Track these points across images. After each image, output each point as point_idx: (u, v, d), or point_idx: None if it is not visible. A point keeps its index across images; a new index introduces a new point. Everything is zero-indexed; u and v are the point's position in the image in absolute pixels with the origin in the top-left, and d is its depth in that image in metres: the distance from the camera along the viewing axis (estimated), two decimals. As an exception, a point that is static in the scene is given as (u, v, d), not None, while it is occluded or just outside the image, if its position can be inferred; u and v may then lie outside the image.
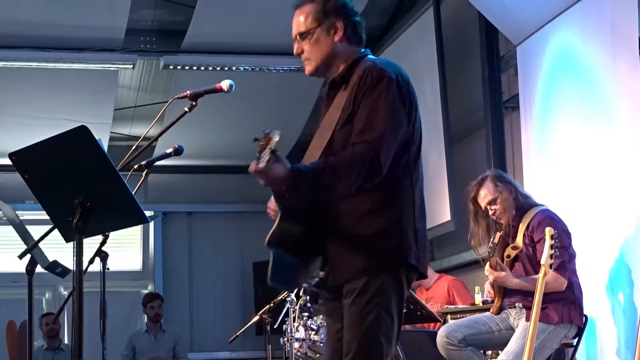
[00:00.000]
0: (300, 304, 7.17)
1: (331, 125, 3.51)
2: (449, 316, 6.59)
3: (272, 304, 7.16)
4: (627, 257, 5.95)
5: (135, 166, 4.66)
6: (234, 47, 10.19)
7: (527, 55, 7.55)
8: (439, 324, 6.59)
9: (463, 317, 6.18)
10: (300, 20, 3.60)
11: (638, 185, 5.88)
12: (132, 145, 4.20)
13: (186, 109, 4.07)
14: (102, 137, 10.84)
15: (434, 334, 5.86)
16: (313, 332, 6.92)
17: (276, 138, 3.08)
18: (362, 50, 3.63)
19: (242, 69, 10.35)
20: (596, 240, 6.22)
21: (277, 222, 3.42)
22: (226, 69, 10.27)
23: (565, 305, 5.49)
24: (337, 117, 3.49)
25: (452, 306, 6.87)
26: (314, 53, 3.57)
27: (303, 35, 3.58)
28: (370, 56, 3.63)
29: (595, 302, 6.09)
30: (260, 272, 12.59)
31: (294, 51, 3.63)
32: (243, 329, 7.39)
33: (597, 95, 6.45)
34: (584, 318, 5.61)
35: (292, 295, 7.06)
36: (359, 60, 3.58)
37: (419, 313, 5.42)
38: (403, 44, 9.72)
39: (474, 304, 6.66)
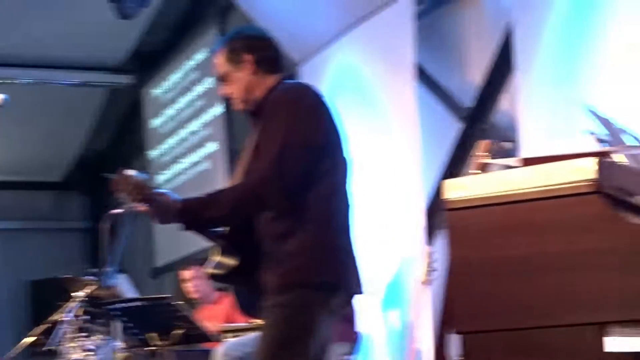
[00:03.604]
0: (78, 324, 6.96)
1: (247, 156, 3.65)
2: (229, 334, 6.55)
3: (44, 325, 6.92)
4: (404, 271, 6.09)
5: None
6: (15, 59, 9.86)
7: (310, 75, 7.64)
8: (218, 343, 6.54)
9: (243, 335, 6.15)
10: (217, 66, 3.77)
11: (418, 207, 6.05)
12: None
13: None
14: None
15: (210, 352, 5.82)
16: (91, 353, 6.73)
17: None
18: (280, 77, 3.72)
19: (24, 82, 10.02)
20: (379, 255, 6.34)
21: (216, 257, 3.61)
22: (8, 82, 9.90)
23: (339, 323, 5.54)
24: (252, 147, 3.62)
25: (233, 324, 6.83)
26: (235, 91, 3.72)
27: (222, 79, 3.76)
28: (289, 81, 3.76)
29: (369, 319, 6.19)
30: (38, 290, 12.20)
31: (222, 93, 3.81)
32: (15, 350, 7.12)
33: (377, 120, 6.63)
34: (357, 335, 5.69)
35: (71, 314, 6.85)
36: (274, 89, 3.67)
37: (193, 334, 5.37)
38: (188, 58, 9.72)
39: (253, 322, 6.64)
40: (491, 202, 2.48)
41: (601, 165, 2.35)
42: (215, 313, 7.34)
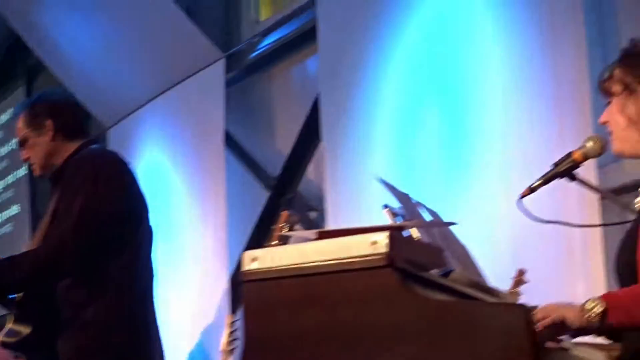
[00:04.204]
0: None
1: (46, 221, 3.56)
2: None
3: None
4: (208, 340, 6.05)
5: None
6: None
7: (119, 138, 7.54)
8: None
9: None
10: (17, 130, 3.71)
11: (222, 276, 6.03)
12: None
13: None
14: None
15: None
16: None
17: None
18: (83, 142, 3.66)
19: None
20: (184, 324, 6.27)
21: (9, 324, 3.51)
22: None
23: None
24: (50, 213, 3.54)
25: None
26: (34, 157, 3.66)
27: (21, 143, 3.69)
28: (93, 146, 3.69)
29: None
30: None
31: (22, 158, 3.73)
32: None
33: (185, 185, 6.62)
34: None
35: None
36: (75, 155, 3.62)
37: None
38: None
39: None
40: (285, 275, 2.46)
41: (392, 239, 2.37)
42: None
